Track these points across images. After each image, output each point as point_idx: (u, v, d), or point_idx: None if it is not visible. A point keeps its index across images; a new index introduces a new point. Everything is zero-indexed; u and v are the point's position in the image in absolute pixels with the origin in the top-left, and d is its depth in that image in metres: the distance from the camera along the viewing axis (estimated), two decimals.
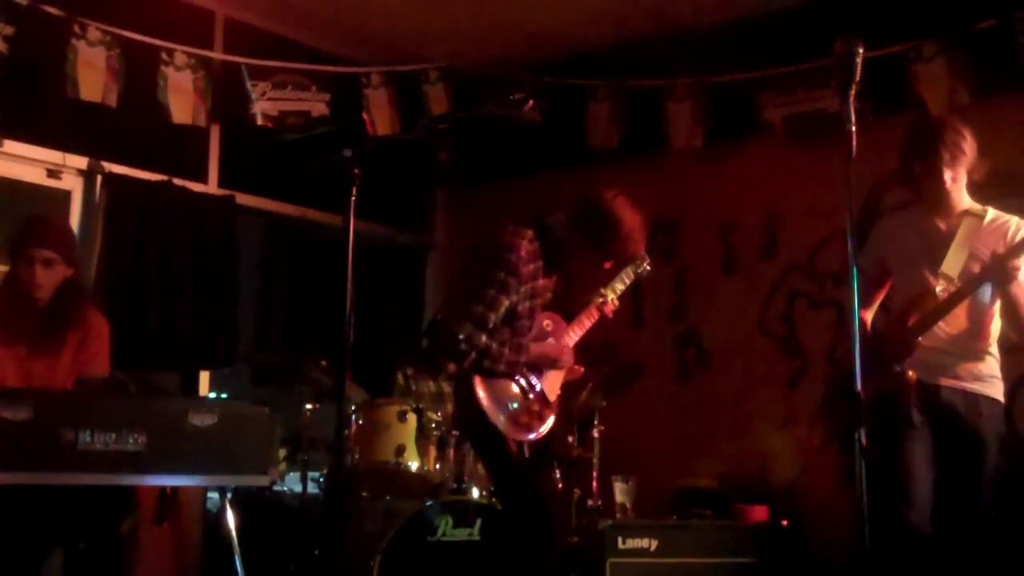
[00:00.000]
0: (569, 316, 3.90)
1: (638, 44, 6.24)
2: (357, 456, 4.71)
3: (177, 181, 5.76)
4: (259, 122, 5.89)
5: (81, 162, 5.48)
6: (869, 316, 3.81)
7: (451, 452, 4.65)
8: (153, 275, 5.60)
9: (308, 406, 5.03)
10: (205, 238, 5.84)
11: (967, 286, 3.48)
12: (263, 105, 5.89)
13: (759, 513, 5.08)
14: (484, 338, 3.44)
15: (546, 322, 3.81)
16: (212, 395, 6.04)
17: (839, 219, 2.68)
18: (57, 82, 5.20)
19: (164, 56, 5.57)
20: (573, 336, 3.87)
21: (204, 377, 6.03)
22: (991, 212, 3.61)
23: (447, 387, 5.22)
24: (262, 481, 3.72)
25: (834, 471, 4.90)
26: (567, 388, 3.94)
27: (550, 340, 3.80)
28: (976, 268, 3.50)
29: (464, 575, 4.37)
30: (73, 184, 5.52)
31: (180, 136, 5.77)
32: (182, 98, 5.62)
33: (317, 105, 6.03)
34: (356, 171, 2.97)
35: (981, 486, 3.51)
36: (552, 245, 3.65)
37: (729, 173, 5.99)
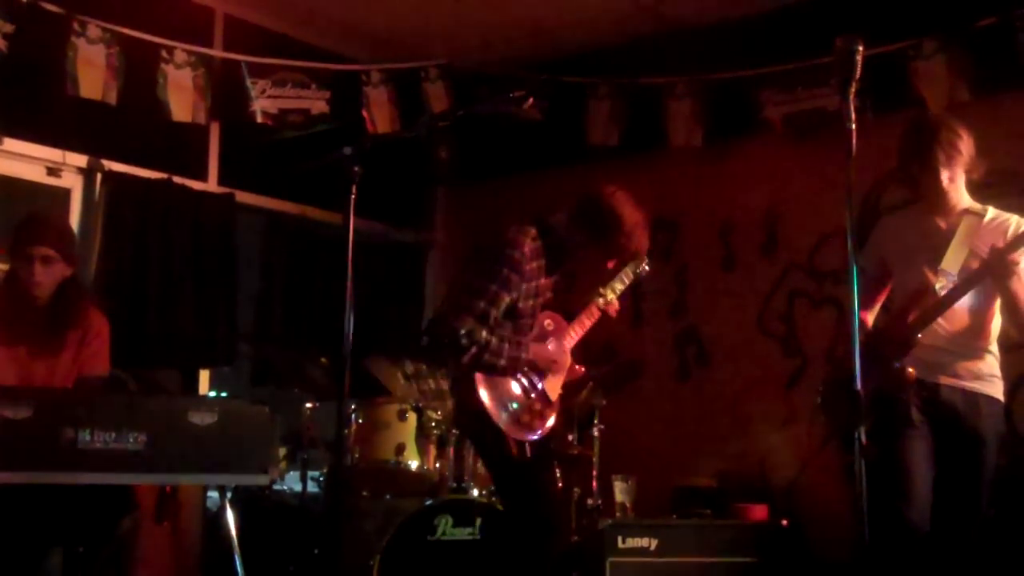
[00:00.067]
0: (569, 316, 3.90)
1: (638, 42, 6.23)
2: (357, 455, 4.71)
3: (177, 179, 5.76)
4: (259, 120, 5.89)
5: (81, 160, 5.47)
6: (870, 318, 3.81)
7: (451, 451, 4.65)
8: (153, 273, 5.60)
9: (308, 405, 5.03)
10: (205, 236, 5.84)
11: (967, 282, 3.48)
12: (263, 103, 5.89)
13: (759, 512, 5.07)
14: (485, 333, 3.45)
15: (547, 321, 3.81)
16: (212, 394, 6.04)
17: (839, 217, 2.67)
18: (57, 80, 5.19)
19: (164, 54, 5.56)
20: (574, 336, 3.87)
21: (204, 376, 6.02)
22: (991, 211, 3.61)
23: (447, 385, 5.22)
24: (262, 480, 3.71)
25: (834, 470, 4.90)
26: (567, 387, 3.94)
27: (551, 340, 3.80)
28: (976, 265, 3.50)
29: (464, 574, 4.37)
30: (73, 182, 5.51)
31: (180, 134, 5.77)
32: (182, 96, 5.62)
33: (317, 103, 6.02)
34: (356, 169, 2.97)
35: (981, 485, 3.51)
36: (554, 244, 3.66)
37: (729, 171, 5.99)
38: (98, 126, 5.47)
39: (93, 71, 5.27)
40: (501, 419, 3.56)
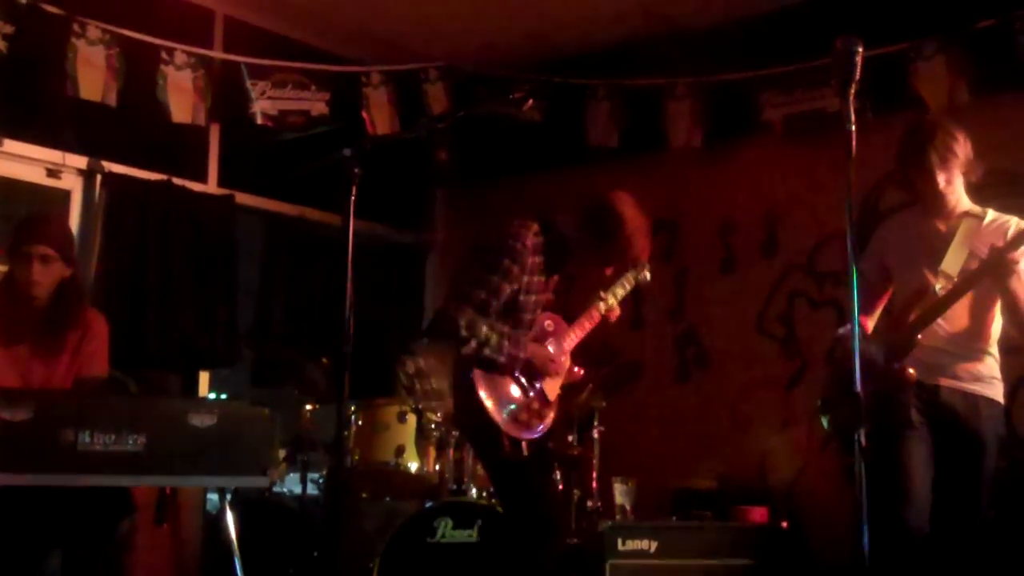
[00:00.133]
0: (570, 319, 3.90)
1: (637, 43, 6.23)
2: (357, 457, 4.71)
3: (177, 180, 5.76)
4: (259, 121, 5.89)
5: (81, 161, 5.47)
6: (871, 323, 3.80)
7: (451, 453, 4.65)
8: (153, 274, 5.60)
9: (308, 407, 5.03)
10: (205, 237, 5.83)
11: (966, 281, 3.48)
12: (263, 104, 5.89)
13: (759, 514, 5.07)
14: (485, 329, 3.48)
15: (547, 322, 3.81)
16: (212, 396, 6.03)
17: (839, 219, 2.66)
18: (57, 81, 5.20)
19: (164, 55, 5.57)
20: (573, 338, 3.87)
21: (204, 377, 6.02)
22: (991, 213, 3.61)
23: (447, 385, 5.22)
24: (262, 482, 3.71)
25: (834, 472, 4.90)
26: (567, 389, 3.95)
27: (550, 341, 3.81)
28: (976, 267, 3.50)
29: None
30: (73, 184, 5.51)
31: (180, 135, 5.77)
32: (182, 97, 5.62)
33: (317, 104, 6.02)
34: (356, 170, 2.97)
35: (980, 487, 3.51)
36: (556, 242, 3.68)
37: (729, 172, 5.99)
38: (98, 127, 5.47)
39: (93, 72, 5.27)
40: (499, 416, 3.56)
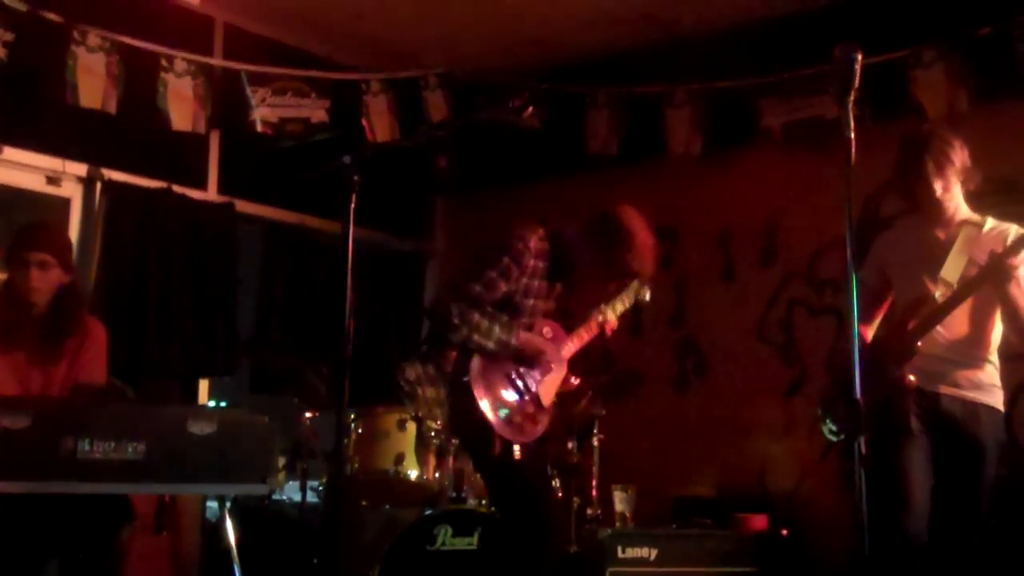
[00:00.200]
0: (569, 329, 3.90)
1: (637, 51, 6.24)
2: (356, 465, 4.70)
3: (177, 188, 5.76)
4: (259, 129, 5.89)
5: (81, 169, 5.47)
6: (870, 332, 3.80)
7: (450, 461, 4.65)
8: (152, 282, 5.59)
9: (307, 414, 5.02)
10: (205, 245, 5.83)
11: (966, 287, 3.48)
12: (263, 112, 5.90)
13: (759, 522, 5.07)
14: (477, 316, 3.51)
15: (546, 329, 3.81)
16: (211, 403, 6.03)
17: (838, 226, 2.66)
18: (57, 88, 5.20)
19: (164, 62, 5.57)
20: (571, 347, 3.86)
21: (203, 385, 6.01)
22: (990, 221, 3.62)
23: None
24: (261, 490, 3.70)
25: (834, 479, 4.89)
26: (565, 397, 3.94)
27: (547, 346, 3.80)
28: (975, 273, 3.50)
29: None
30: (73, 191, 5.51)
31: (180, 143, 5.77)
32: (182, 105, 5.62)
33: (316, 112, 6.03)
34: (355, 178, 2.96)
35: (980, 494, 3.50)
36: (560, 249, 3.68)
37: (728, 180, 5.99)
38: (98, 135, 5.47)
39: (93, 80, 5.28)
40: (493, 418, 3.57)
